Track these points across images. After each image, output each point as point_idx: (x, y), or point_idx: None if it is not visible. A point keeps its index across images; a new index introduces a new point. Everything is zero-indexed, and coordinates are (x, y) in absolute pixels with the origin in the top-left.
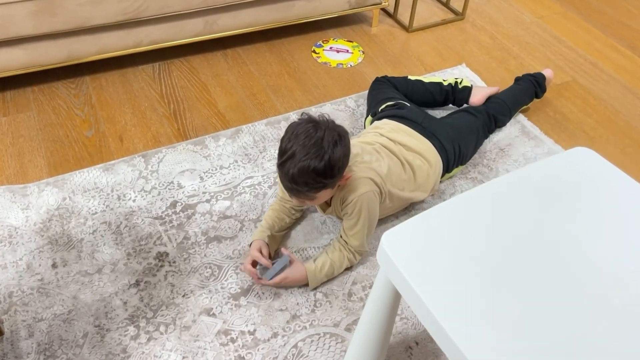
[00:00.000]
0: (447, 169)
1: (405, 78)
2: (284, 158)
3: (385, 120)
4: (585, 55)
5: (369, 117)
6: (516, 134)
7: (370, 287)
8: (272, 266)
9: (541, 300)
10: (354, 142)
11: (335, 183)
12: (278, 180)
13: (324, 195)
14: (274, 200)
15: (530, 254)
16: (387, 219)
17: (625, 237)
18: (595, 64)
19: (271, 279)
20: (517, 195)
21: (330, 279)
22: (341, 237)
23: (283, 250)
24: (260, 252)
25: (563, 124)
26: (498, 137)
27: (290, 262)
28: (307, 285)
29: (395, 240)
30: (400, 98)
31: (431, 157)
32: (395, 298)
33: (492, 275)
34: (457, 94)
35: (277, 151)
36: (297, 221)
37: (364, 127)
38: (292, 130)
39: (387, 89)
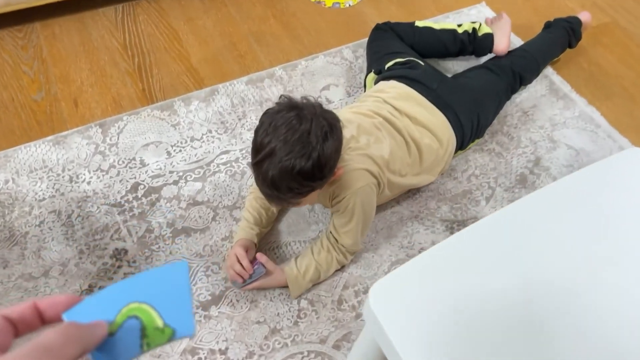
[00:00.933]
0: (462, 145)
1: (412, 25)
2: (261, 156)
3: (392, 83)
4: None
5: (372, 75)
6: (542, 92)
7: (365, 292)
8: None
9: None
10: (349, 113)
11: (324, 184)
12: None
13: (310, 198)
14: (253, 185)
15: (555, 302)
16: (387, 205)
17: None
18: None
19: (243, 286)
20: (540, 226)
21: (316, 284)
22: (330, 233)
23: (259, 256)
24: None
25: (599, 79)
26: (521, 97)
27: (266, 273)
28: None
29: (385, 295)
30: (411, 54)
31: (443, 135)
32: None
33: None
34: (477, 43)
35: (258, 119)
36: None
37: (364, 87)
38: (270, 121)
39: (392, 41)
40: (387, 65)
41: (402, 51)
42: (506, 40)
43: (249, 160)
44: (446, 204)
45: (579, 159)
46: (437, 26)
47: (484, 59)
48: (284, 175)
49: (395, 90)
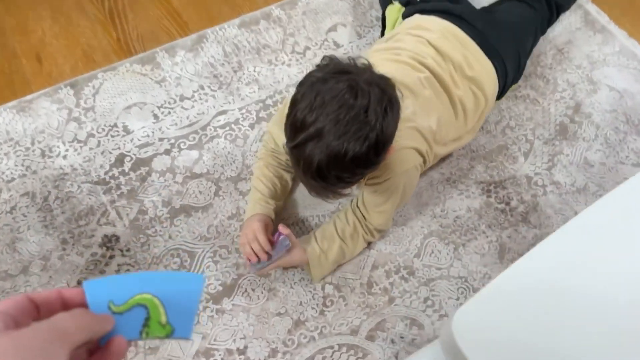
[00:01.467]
0: (500, 94)
1: None
2: (303, 137)
3: (432, 18)
4: None
5: (396, 6)
6: (577, 24)
7: (396, 272)
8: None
9: None
10: (387, 62)
11: (378, 166)
12: (272, 127)
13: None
14: (261, 151)
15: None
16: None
17: None
18: None
19: (263, 267)
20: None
21: (340, 265)
22: (357, 208)
23: (281, 229)
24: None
25: (638, 6)
26: (554, 32)
27: (290, 248)
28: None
29: (469, 324)
30: None
31: (488, 87)
32: None
33: None
34: None
35: (257, 71)
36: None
37: (383, 23)
38: (315, 93)
39: None
40: None
41: None
42: None
43: (251, 121)
44: (480, 162)
45: (623, 102)
46: None
47: None
48: (334, 162)
49: (439, 29)
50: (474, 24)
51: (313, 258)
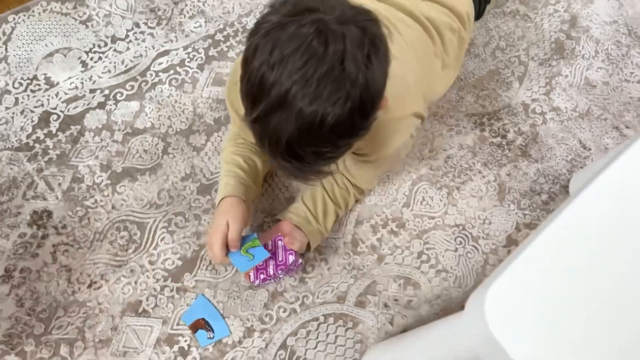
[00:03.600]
0: (479, 12)
1: None
2: (265, 108)
3: None
4: None
5: None
6: None
7: (384, 226)
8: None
9: None
10: None
11: (368, 130)
12: (227, 101)
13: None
14: (227, 138)
15: None
16: None
17: None
18: None
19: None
20: None
21: None
22: (347, 170)
23: (287, 242)
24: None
25: None
26: None
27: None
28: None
29: (502, 305)
30: None
31: (461, 6)
32: None
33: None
34: None
35: (202, 1)
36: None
37: None
38: (272, 46)
39: None
40: None
41: None
42: None
43: (200, 61)
44: (470, 92)
45: (623, 12)
46: None
47: None
48: (308, 135)
49: None
50: None
51: (313, 233)
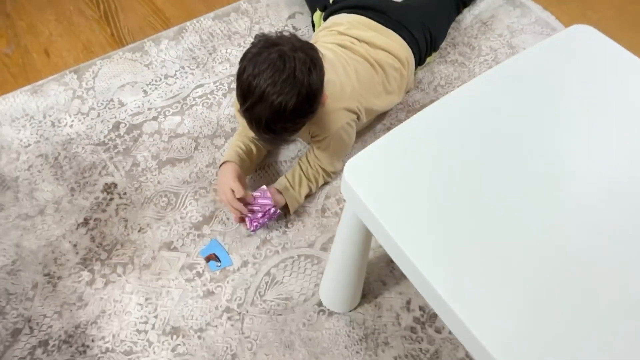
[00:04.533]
0: (420, 60)
1: None
2: (251, 102)
3: (341, 15)
4: None
5: (318, 12)
6: (499, 2)
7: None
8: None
9: (531, 227)
10: None
11: (315, 114)
12: (235, 111)
13: (302, 132)
14: (236, 133)
15: (522, 168)
16: (363, 132)
17: (634, 131)
18: None
19: (259, 225)
20: (504, 97)
21: None
22: (310, 156)
23: (270, 191)
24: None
25: None
26: (479, 9)
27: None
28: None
29: (359, 169)
30: None
31: (402, 53)
32: (367, 231)
33: (472, 200)
34: None
35: (229, 53)
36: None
37: (313, 27)
38: (253, 65)
39: None
40: (331, 0)
41: None
42: None
43: (224, 91)
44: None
45: None
46: None
47: None
48: (278, 116)
49: (347, 21)
50: (378, 9)
51: (290, 197)
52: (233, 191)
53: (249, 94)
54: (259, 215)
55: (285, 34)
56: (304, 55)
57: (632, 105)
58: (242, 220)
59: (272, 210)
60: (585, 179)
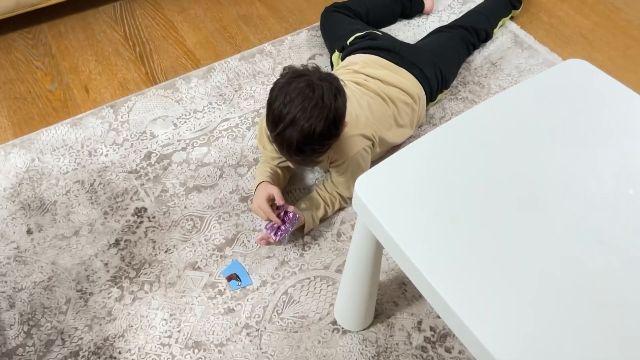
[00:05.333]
0: (431, 97)
1: None
2: (282, 126)
3: (357, 55)
4: None
5: (336, 53)
6: (508, 45)
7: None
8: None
9: (533, 241)
10: None
11: (339, 137)
12: (259, 143)
13: (328, 153)
14: (260, 163)
15: (520, 186)
16: (375, 161)
17: (624, 158)
18: None
19: (283, 239)
20: (504, 121)
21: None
22: (328, 183)
23: (291, 209)
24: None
25: (559, 29)
26: (489, 51)
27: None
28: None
29: (370, 185)
30: (366, 27)
31: (413, 90)
32: (378, 245)
33: (477, 216)
34: (413, 1)
35: (253, 90)
36: None
37: (331, 66)
38: (285, 94)
39: (345, 19)
40: (348, 41)
41: (357, 26)
42: (431, 1)
43: (248, 125)
44: (422, 136)
45: None
46: None
47: (424, 26)
48: (308, 139)
49: (362, 60)
50: (391, 49)
51: (307, 217)
52: (268, 201)
53: (280, 120)
54: (282, 227)
55: (310, 67)
56: (329, 84)
57: (621, 131)
58: (266, 241)
59: (291, 214)
60: (578, 196)
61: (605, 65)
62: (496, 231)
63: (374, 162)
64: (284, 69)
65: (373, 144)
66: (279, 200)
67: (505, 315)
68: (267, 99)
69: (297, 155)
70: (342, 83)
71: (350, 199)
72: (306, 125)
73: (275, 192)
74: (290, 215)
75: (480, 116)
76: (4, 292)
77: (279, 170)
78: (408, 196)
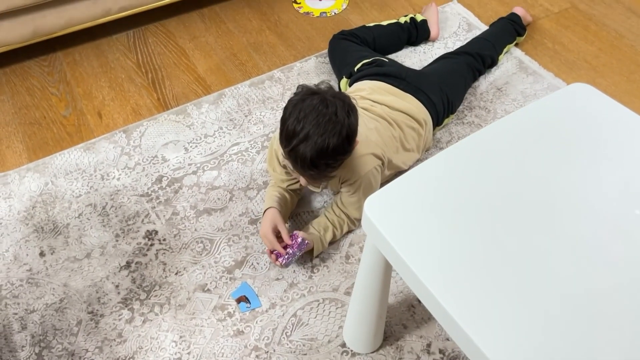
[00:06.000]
0: (438, 122)
1: (364, 26)
2: (296, 142)
3: (365, 82)
4: None
5: (344, 79)
6: (513, 70)
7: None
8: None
9: (540, 260)
10: None
11: (351, 153)
12: (268, 166)
13: (332, 180)
14: (269, 186)
15: (526, 207)
16: (382, 183)
17: (629, 180)
18: None
19: (289, 263)
20: (510, 143)
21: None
22: (338, 206)
23: (300, 234)
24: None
25: (563, 55)
26: (494, 76)
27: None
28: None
29: (380, 206)
30: (373, 54)
31: (420, 115)
32: (387, 265)
33: (485, 235)
34: (419, 28)
35: (262, 115)
36: None
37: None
38: (299, 110)
39: (352, 46)
40: (356, 68)
41: (365, 53)
42: (436, 27)
43: (258, 149)
44: (430, 158)
45: None
46: (383, 23)
47: (430, 52)
48: (321, 154)
49: (370, 87)
50: (398, 76)
51: (316, 241)
52: (274, 232)
53: (295, 135)
54: (290, 250)
55: (322, 85)
56: (342, 102)
57: (626, 153)
58: (274, 257)
59: (300, 239)
60: (585, 216)
61: (609, 90)
62: (505, 251)
63: (381, 185)
64: (298, 87)
65: (383, 164)
66: (286, 238)
67: (517, 336)
68: (279, 119)
69: (310, 170)
70: (354, 101)
71: (359, 220)
72: (320, 140)
73: (281, 227)
74: (299, 240)
75: (487, 139)
76: (16, 313)
77: (287, 195)
78: (417, 216)
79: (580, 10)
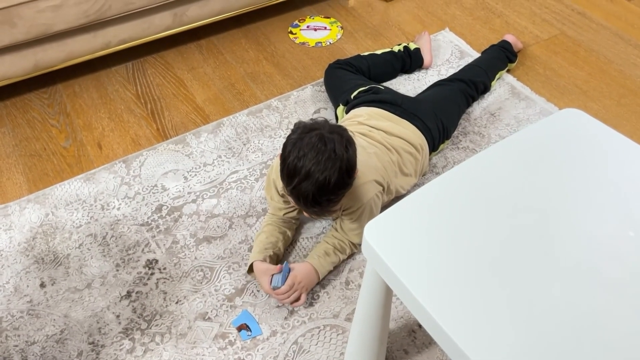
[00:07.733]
0: (434, 147)
1: (359, 55)
2: (297, 180)
3: (362, 108)
4: (572, 5)
5: (341, 107)
6: (506, 96)
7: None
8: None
9: (537, 283)
10: None
11: (351, 186)
12: (266, 194)
13: (341, 202)
14: (266, 218)
15: (523, 230)
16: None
17: (622, 202)
18: (584, 14)
19: (281, 285)
20: (505, 168)
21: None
22: (338, 231)
23: (282, 266)
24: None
25: (554, 81)
26: (487, 102)
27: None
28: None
29: (380, 231)
30: (369, 82)
31: (416, 140)
32: (387, 290)
33: (483, 259)
34: (413, 57)
35: (261, 143)
36: None
37: (336, 119)
38: (298, 149)
39: (348, 75)
40: (352, 95)
41: (360, 81)
42: (429, 55)
43: (256, 176)
44: (428, 183)
45: None
46: (378, 51)
47: (424, 80)
48: (323, 190)
49: (366, 113)
50: (394, 102)
51: (318, 266)
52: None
53: (296, 174)
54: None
55: (319, 119)
56: (339, 136)
57: (617, 176)
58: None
59: (287, 269)
60: (580, 239)
61: (600, 113)
62: (503, 274)
63: (381, 209)
64: (295, 125)
65: (383, 189)
66: (275, 295)
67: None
68: (276, 152)
69: (313, 207)
70: (350, 134)
71: (360, 245)
72: (321, 177)
73: (268, 290)
74: (287, 269)
75: (482, 164)
76: (16, 345)
77: (280, 236)
78: (417, 241)
79: (569, 36)
